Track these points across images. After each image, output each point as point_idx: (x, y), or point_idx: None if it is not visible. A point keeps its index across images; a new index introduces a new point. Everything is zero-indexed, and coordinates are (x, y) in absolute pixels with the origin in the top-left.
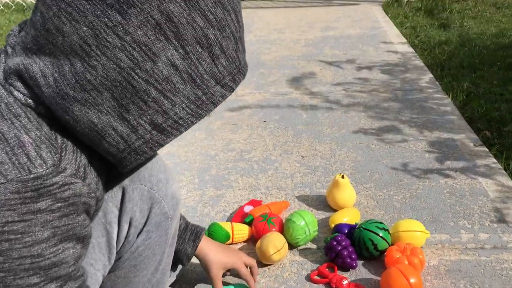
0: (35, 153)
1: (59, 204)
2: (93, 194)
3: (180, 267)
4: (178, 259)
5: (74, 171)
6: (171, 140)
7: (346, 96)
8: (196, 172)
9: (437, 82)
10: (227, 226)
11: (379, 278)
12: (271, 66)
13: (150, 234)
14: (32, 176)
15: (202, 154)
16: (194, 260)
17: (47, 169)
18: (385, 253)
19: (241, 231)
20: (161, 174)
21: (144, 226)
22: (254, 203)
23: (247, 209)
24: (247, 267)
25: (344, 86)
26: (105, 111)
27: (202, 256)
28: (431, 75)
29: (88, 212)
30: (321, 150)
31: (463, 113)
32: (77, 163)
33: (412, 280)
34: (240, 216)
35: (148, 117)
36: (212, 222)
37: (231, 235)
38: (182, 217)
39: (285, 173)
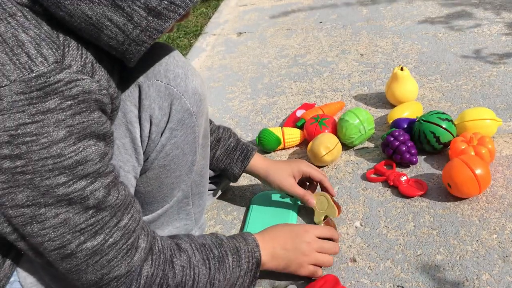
0: (35, 51)
1: (69, 102)
2: (104, 91)
3: (219, 192)
4: (226, 177)
5: (80, 68)
6: (170, 25)
7: None
8: (248, 82)
9: None
10: (277, 131)
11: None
12: None
13: (175, 133)
14: (34, 74)
15: (255, 63)
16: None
17: (48, 66)
18: (449, 146)
19: (292, 135)
20: (179, 69)
21: (167, 124)
22: (307, 106)
23: (299, 113)
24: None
25: None
26: (96, 0)
27: (262, 175)
28: None
29: (103, 110)
30: (382, 45)
31: None
32: (82, 59)
33: (477, 171)
34: (292, 121)
35: (142, 1)
36: (263, 128)
37: (282, 139)
38: (234, 134)
39: (341, 74)
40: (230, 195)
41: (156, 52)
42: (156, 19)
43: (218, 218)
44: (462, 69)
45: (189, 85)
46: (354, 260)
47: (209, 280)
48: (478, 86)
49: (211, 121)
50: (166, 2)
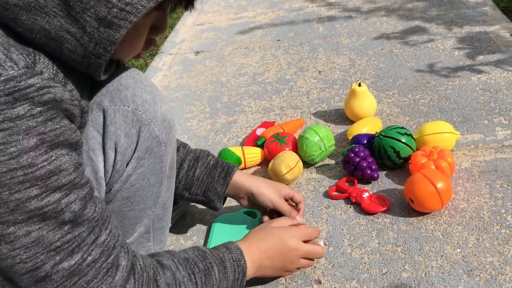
0: (4, 56)
1: (39, 109)
2: (76, 102)
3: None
4: (209, 201)
5: (52, 76)
6: (121, 35)
7: (366, 2)
8: (207, 101)
9: None
10: (237, 150)
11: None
12: None
13: (142, 162)
14: (2, 78)
15: (213, 82)
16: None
17: (18, 70)
18: (409, 161)
19: (253, 154)
20: (147, 94)
21: (134, 153)
22: (267, 124)
23: (259, 131)
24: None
25: None
26: (52, 13)
27: (255, 191)
28: None
29: (72, 122)
30: (340, 62)
31: (497, 3)
32: (54, 68)
33: (439, 185)
34: (252, 140)
35: (92, 10)
36: (222, 148)
37: (242, 159)
38: (212, 154)
39: (300, 91)
40: (190, 219)
41: (123, 76)
42: (107, 29)
43: (177, 244)
44: (419, 83)
45: (157, 111)
46: (319, 282)
47: None
48: (435, 100)
49: (186, 144)
50: (115, 10)
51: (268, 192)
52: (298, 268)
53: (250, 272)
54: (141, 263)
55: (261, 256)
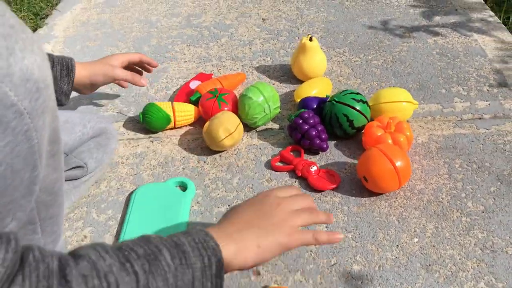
0: None
1: None
2: None
3: (88, 183)
4: (57, 101)
5: None
6: None
7: None
8: (132, 43)
9: None
10: (166, 106)
11: (355, 162)
12: None
13: None
14: None
15: (141, 21)
16: None
17: None
18: (363, 131)
19: (185, 112)
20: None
21: None
22: (203, 77)
23: (194, 85)
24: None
25: None
26: None
27: (89, 80)
28: None
29: None
30: (286, 10)
31: None
32: None
33: (398, 163)
34: (184, 94)
35: None
36: (148, 102)
37: (172, 117)
38: (48, 54)
39: (242, 40)
40: (105, 187)
41: None
42: None
43: (88, 218)
44: (372, 42)
45: (15, 67)
46: (258, 273)
47: None
48: (389, 62)
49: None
50: None
51: (102, 78)
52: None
53: (230, 253)
54: (37, 254)
55: (240, 230)
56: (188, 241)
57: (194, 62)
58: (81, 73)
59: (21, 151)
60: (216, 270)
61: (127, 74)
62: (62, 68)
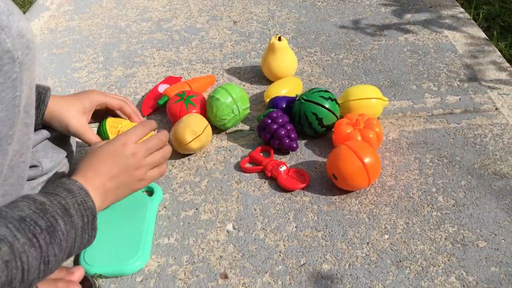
0: None
1: None
2: None
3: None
4: None
5: None
6: None
7: None
8: (101, 49)
9: None
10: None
11: (326, 160)
12: None
13: None
14: None
15: (110, 26)
16: None
17: None
18: (333, 129)
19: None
20: (0, 1)
21: None
22: (171, 80)
23: (162, 88)
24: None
25: None
26: None
27: (50, 120)
28: None
29: None
30: (257, 12)
31: None
32: None
33: (366, 160)
34: (152, 98)
35: None
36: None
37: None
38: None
39: (212, 43)
40: None
41: None
42: None
43: None
44: (343, 41)
45: (13, 23)
46: (226, 276)
47: (41, 260)
48: (360, 61)
49: None
50: None
51: (62, 116)
52: (156, 168)
53: (99, 208)
54: None
55: (103, 183)
56: (73, 204)
57: (164, 66)
58: (52, 110)
59: (5, 98)
60: (92, 224)
61: (93, 139)
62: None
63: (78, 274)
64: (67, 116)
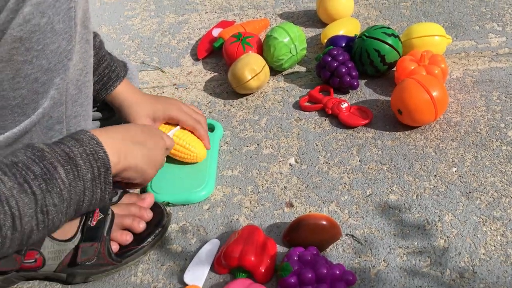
0: None
1: None
2: None
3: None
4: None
5: None
6: None
7: None
8: None
9: None
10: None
11: (388, 99)
12: None
13: None
14: None
15: None
16: None
17: None
18: (395, 67)
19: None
20: None
21: None
22: (225, 24)
23: (216, 32)
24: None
25: None
26: None
27: (125, 111)
28: None
29: None
30: None
31: None
32: None
33: (434, 93)
34: (207, 42)
35: None
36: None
37: None
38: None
39: None
40: None
41: None
42: None
43: None
44: None
45: None
46: (291, 205)
47: (38, 209)
48: (418, 3)
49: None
50: None
51: (131, 113)
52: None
53: (115, 165)
54: None
55: (124, 141)
56: (80, 153)
57: (215, 12)
58: (123, 94)
59: (61, 9)
60: (105, 178)
61: (196, 126)
62: (107, 74)
63: (149, 199)
64: (134, 116)
